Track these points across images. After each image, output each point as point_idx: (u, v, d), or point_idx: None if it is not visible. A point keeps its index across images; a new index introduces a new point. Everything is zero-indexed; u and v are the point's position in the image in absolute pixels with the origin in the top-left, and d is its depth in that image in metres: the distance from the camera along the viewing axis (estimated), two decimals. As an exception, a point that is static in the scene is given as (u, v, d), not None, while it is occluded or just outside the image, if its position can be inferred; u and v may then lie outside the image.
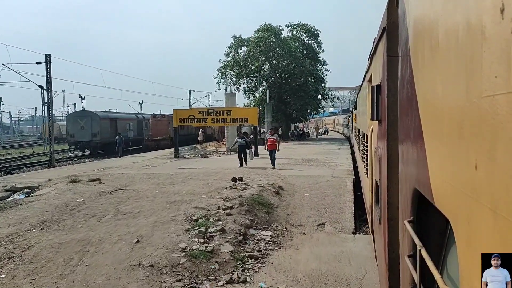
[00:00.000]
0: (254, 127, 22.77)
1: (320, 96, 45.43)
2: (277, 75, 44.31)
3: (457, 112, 1.17)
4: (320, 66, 45.90)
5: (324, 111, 79.22)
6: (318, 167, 16.67)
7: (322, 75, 46.00)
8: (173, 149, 29.55)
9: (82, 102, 64.79)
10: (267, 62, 41.61)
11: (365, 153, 6.18)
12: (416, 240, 1.59)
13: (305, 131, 57.95)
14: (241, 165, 17.07)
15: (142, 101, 74.01)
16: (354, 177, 13.86)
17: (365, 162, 6.33)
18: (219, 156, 22.15)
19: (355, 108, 16.22)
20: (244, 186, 12.26)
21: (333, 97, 47.48)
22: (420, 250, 1.53)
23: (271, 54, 40.64)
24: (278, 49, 40.94)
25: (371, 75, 4.75)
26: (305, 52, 44.53)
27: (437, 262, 1.61)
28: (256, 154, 22.25)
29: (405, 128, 2.00)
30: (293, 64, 41.62)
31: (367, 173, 5.85)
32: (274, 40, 40.10)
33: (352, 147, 28.06)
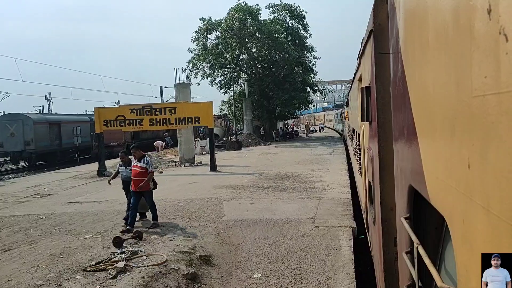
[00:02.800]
0: (210, 130, 16.18)
1: (308, 89, 39.04)
2: (258, 65, 37.85)
3: (449, 110, 1.17)
4: (307, 54, 39.51)
5: (314, 106, 72.64)
6: (293, 195, 10.24)
7: (310, 64, 39.63)
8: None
9: (49, 105, 57.76)
10: (244, 50, 35.07)
11: (358, 151, 5.90)
12: (413, 237, 1.59)
13: (295, 129, 51.67)
14: (140, 217, 8.37)
15: (118, 101, 67.16)
16: (354, 224, 7.43)
17: (358, 160, 6.08)
18: (161, 172, 15.77)
19: (347, 105, 15.34)
20: (126, 260, 5.84)
21: (324, 89, 41.04)
22: (417, 247, 1.54)
23: (247, 40, 34.08)
24: (257, 34, 34.44)
25: (360, 75, 4.75)
26: (289, 38, 38.15)
27: (435, 258, 1.62)
28: (214, 168, 15.82)
29: (399, 125, 2.00)
30: (275, 51, 35.18)
31: (360, 172, 5.69)
32: (250, 22, 33.60)
33: (347, 147, 21.96)
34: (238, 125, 42.43)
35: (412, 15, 1.64)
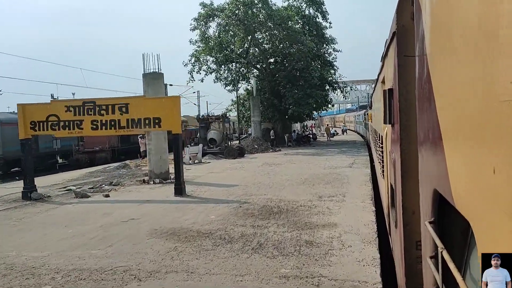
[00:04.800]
0: (174, 137, 11.27)
1: (327, 86, 33.96)
2: (268, 58, 33.06)
3: (475, 114, 1.16)
4: (326, 46, 34.47)
5: (334, 107, 67.49)
6: (270, 267, 5.42)
7: (330, 58, 34.56)
8: (115, 164, 19.00)
9: None
10: (251, 40, 30.28)
11: (381, 154, 5.97)
12: (438, 242, 1.58)
13: (313, 132, 46.59)
14: None
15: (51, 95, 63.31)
16: None
17: (381, 163, 5.98)
18: (107, 196, 11.12)
19: (370, 107, 14.97)
20: None
21: (345, 86, 35.69)
22: (442, 252, 1.54)
23: (255, 28, 29.28)
24: (268, 22, 29.64)
25: (383, 77, 4.78)
26: (306, 28, 33.24)
27: (460, 263, 1.59)
28: (180, 191, 11.13)
29: (424, 129, 2.00)
30: (289, 42, 30.32)
31: (383, 175, 5.74)
32: (259, 7, 28.83)
33: (371, 153, 17.32)
34: (249, 128, 37.81)
35: (438, 17, 1.63)
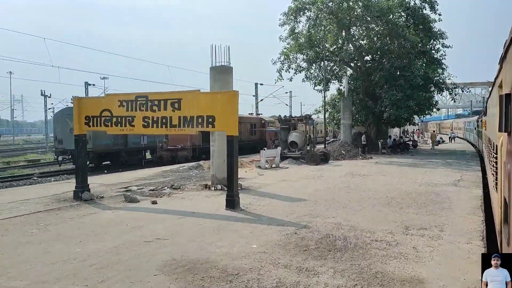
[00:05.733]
0: (229, 139, 9.41)
1: (433, 87, 29.61)
2: (364, 55, 29.95)
3: None
4: (434, 41, 30.12)
5: (439, 111, 60.87)
6: None
7: (438, 54, 30.13)
8: (190, 165, 18.43)
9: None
10: (344, 35, 27.49)
11: (495, 165, 5.51)
12: None
13: (414, 139, 41.81)
14: None
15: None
16: None
17: (494, 174, 5.64)
18: (155, 202, 9.83)
19: (485, 113, 13.40)
20: None
21: (455, 87, 30.69)
22: None
23: (349, 21, 26.47)
24: (366, 16, 26.67)
25: (501, 81, 4.57)
26: (411, 21, 29.41)
27: None
28: (232, 204, 9.38)
29: None
30: (389, 38, 26.94)
31: (496, 188, 5.46)
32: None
33: (484, 166, 14.16)
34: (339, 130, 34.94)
35: None
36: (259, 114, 41.97)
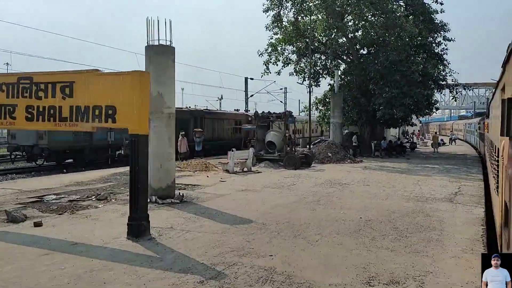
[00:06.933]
0: (133, 139, 6.85)
1: (432, 84, 26.97)
2: (357, 48, 27.35)
3: None
4: (435, 34, 27.48)
5: (444, 112, 58.48)
6: None
7: (439, 49, 27.49)
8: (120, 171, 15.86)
9: None
10: (337, 26, 24.80)
11: (496, 168, 5.66)
12: None
13: (412, 141, 39.14)
14: None
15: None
16: None
17: (496, 178, 5.81)
18: (39, 224, 7.29)
19: (487, 116, 14.05)
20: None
21: (456, 85, 27.94)
22: None
23: (339, 7, 23.84)
24: (362, 5, 24.00)
25: (504, 85, 4.65)
26: (410, 11, 26.81)
27: None
28: (136, 232, 6.81)
29: None
30: (386, 29, 24.29)
31: (497, 191, 5.55)
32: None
33: (487, 173, 11.91)
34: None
35: None
36: (248, 111, 39.41)
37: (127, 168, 16.58)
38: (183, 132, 19.47)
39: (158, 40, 10.07)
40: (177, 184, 12.83)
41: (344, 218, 8.52)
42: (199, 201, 10.19)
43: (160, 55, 10.04)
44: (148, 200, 9.79)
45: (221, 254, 5.94)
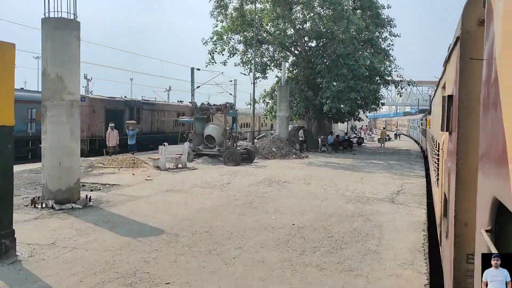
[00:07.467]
0: (1, 131, 5.40)
1: (379, 79, 26.75)
2: (306, 41, 26.54)
3: None
4: (382, 29, 27.27)
5: (390, 108, 59.92)
6: None
7: (385, 44, 27.32)
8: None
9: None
10: (284, 16, 23.76)
11: (437, 161, 5.75)
12: (493, 250, 1.47)
13: (360, 136, 39.29)
14: None
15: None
16: None
17: (436, 170, 5.84)
18: None
19: (429, 112, 14.19)
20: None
21: (401, 81, 28.00)
22: None
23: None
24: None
25: (444, 83, 4.75)
26: (358, 4, 26.37)
27: None
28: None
29: (487, 138, 1.90)
30: (332, 21, 23.58)
31: (437, 183, 5.60)
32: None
33: (429, 168, 11.18)
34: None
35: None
36: (193, 103, 37.51)
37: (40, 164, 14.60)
38: (113, 124, 17.58)
39: (61, 12, 8.38)
40: (93, 183, 11.17)
41: (274, 225, 7.37)
42: (108, 205, 8.63)
43: (61, 30, 8.32)
44: (43, 206, 8.19)
45: (99, 284, 4.52)
